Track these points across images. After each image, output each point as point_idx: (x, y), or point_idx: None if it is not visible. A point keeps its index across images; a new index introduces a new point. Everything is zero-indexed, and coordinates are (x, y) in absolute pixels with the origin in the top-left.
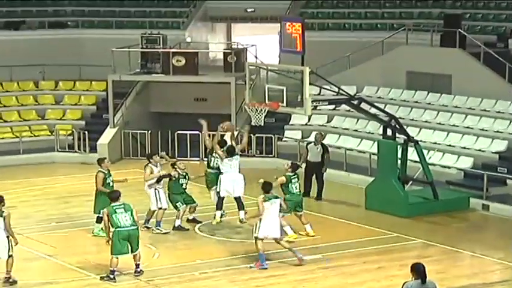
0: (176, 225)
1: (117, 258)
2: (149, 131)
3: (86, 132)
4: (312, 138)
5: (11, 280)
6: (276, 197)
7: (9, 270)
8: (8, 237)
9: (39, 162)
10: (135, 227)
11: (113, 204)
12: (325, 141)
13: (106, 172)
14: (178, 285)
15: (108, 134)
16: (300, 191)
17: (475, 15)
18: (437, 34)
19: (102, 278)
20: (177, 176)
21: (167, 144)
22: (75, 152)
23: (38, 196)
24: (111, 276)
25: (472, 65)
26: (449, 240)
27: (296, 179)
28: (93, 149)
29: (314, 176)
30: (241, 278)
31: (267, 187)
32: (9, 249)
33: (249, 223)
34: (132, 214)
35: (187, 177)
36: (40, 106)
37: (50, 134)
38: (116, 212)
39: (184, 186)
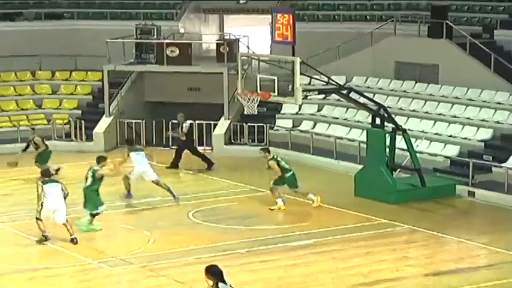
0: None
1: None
2: (143, 120)
3: (82, 121)
4: (302, 127)
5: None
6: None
7: (73, 231)
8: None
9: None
10: None
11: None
12: (316, 129)
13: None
14: (173, 270)
15: (104, 123)
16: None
17: (462, 7)
18: (425, 25)
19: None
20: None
21: (161, 133)
22: (72, 140)
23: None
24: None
25: (458, 56)
26: (436, 225)
27: (280, 158)
28: (89, 138)
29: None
30: (235, 262)
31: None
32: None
33: None
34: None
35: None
36: (37, 96)
37: (46, 123)
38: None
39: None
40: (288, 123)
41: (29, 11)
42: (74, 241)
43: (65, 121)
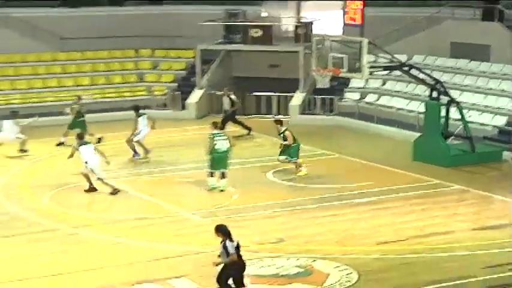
0: None
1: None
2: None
3: (179, 93)
4: (367, 99)
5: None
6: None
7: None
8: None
9: None
10: None
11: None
12: (379, 101)
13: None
14: (253, 221)
15: (196, 94)
16: None
17: None
18: (479, 9)
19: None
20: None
21: (242, 103)
22: (168, 109)
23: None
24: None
25: (508, 37)
26: (484, 186)
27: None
28: (183, 107)
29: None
30: (306, 216)
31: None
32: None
33: None
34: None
35: None
36: (139, 71)
37: (147, 94)
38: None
39: None
40: (355, 96)
41: None
42: (114, 192)
43: (163, 93)
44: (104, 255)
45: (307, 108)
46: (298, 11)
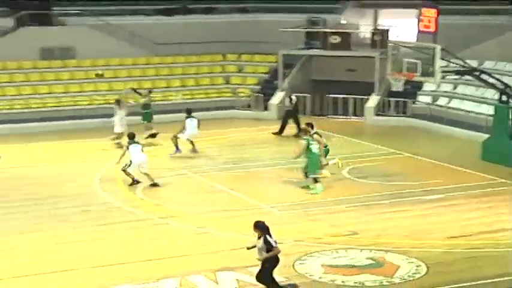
0: None
1: None
2: (309, 95)
3: (262, 95)
4: (439, 102)
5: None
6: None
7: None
8: None
9: (221, 117)
10: None
11: None
12: (450, 104)
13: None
14: (327, 215)
15: (277, 96)
16: None
17: None
18: None
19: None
20: None
21: (320, 105)
22: (251, 110)
23: (219, 143)
24: None
25: None
26: None
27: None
28: (266, 108)
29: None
30: (378, 211)
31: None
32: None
33: None
34: None
35: None
36: (226, 74)
37: (232, 95)
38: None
39: None
40: (428, 99)
41: (223, 6)
42: (155, 185)
43: (247, 94)
44: (190, 243)
45: (381, 110)
46: (376, 19)
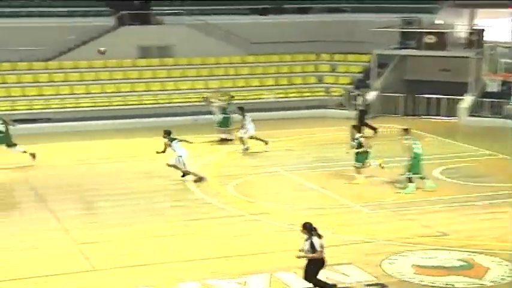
0: None
1: None
2: (403, 94)
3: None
4: None
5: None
6: None
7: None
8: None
9: (314, 116)
10: None
11: None
12: None
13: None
14: (419, 216)
15: (371, 95)
16: None
17: None
18: None
19: None
20: None
21: (413, 104)
22: (344, 109)
23: (310, 141)
24: None
25: None
26: None
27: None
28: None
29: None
30: (469, 212)
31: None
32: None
33: None
34: None
35: None
36: (319, 73)
37: (325, 94)
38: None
39: None
40: None
41: (317, 6)
42: (201, 180)
43: (340, 94)
44: (278, 240)
45: (475, 110)
46: (472, 19)
